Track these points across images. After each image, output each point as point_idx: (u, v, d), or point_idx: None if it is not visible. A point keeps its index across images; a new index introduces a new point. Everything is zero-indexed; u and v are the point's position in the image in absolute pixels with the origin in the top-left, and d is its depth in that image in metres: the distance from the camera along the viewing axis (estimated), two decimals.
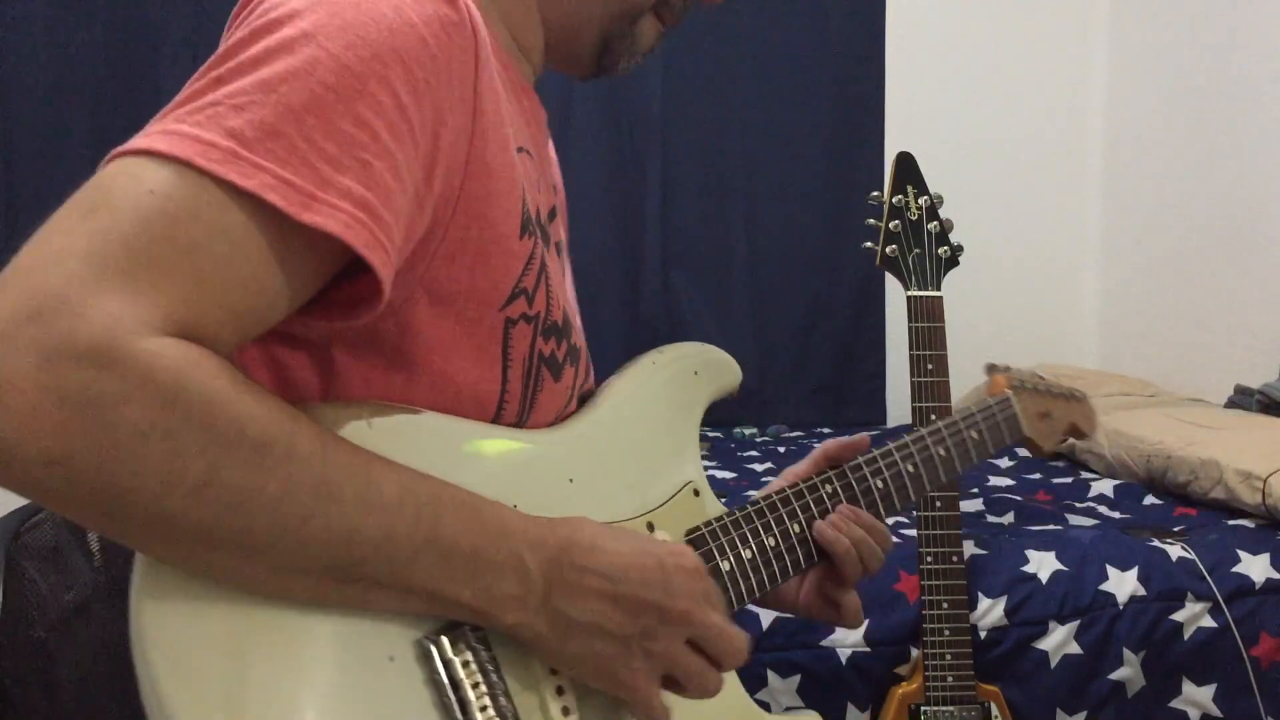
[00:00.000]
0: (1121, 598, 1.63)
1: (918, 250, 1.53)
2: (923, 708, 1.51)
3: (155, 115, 0.60)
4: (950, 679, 1.50)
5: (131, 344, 0.51)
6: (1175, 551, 1.70)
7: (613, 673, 0.67)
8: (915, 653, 1.57)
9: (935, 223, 1.54)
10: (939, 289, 1.52)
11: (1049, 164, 3.32)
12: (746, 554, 0.84)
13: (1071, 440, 1.22)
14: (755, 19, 3.11)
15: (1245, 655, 1.62)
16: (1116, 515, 2.02)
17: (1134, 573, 1.65)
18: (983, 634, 1.59)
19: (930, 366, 1.48)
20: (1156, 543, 1.73)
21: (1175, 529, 1.86)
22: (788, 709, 1.52)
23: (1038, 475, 2.36)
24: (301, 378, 0.66)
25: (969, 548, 1.64)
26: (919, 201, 1.54)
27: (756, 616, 1.55)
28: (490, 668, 0.65)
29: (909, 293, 1.52)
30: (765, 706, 1.06)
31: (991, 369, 1.16)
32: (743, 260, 3.15)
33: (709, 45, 3.10)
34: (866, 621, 1.57)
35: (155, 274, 0.53)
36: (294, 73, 0.57)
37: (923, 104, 3.22)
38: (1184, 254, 2.93)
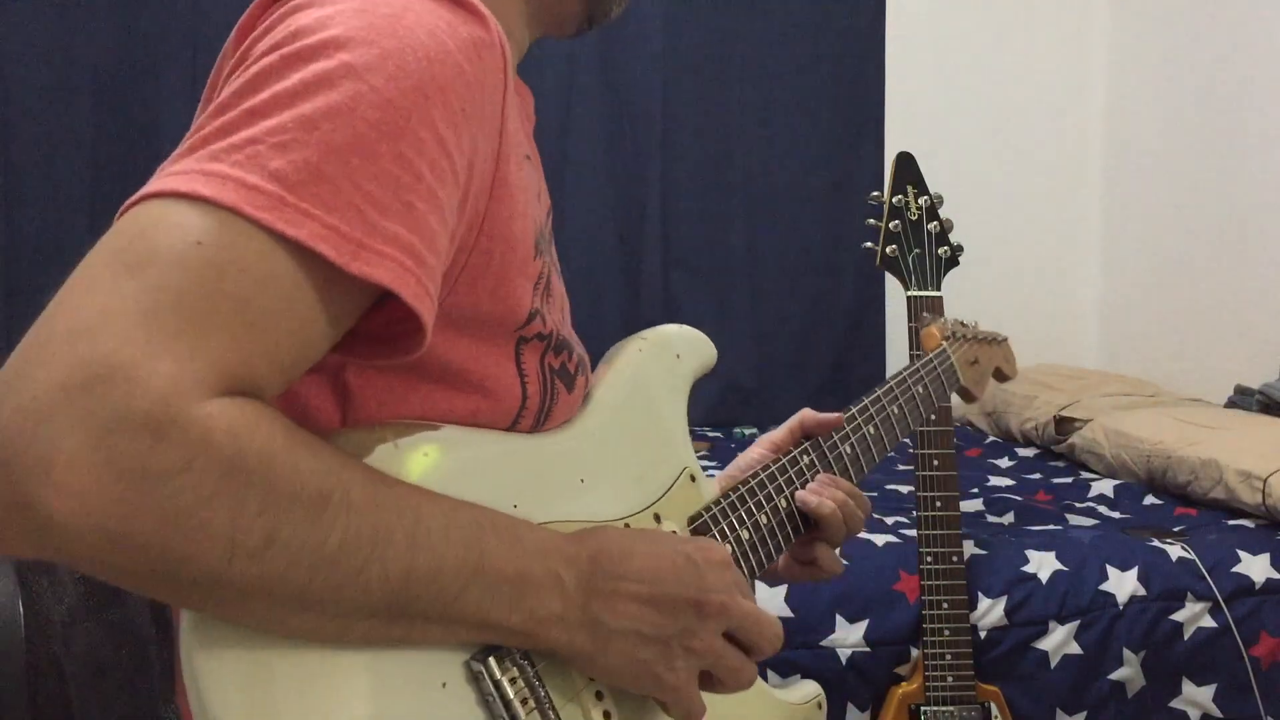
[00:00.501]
0: (1121, 598, 1.63)
1: (918, 250, 1.53)
2: (923, 708, 1.52)
3: (183, 143, 0.57)
4: (950, 679, 1.50)
5: (188, 410, 0.49)
6: (1175, 551, 1.70)
7: (655, 675, 0.67)
8: (915, 653, 1.57)
9: (935, 223, 1.54)
10: (939, 289, 1.53)
11: (1049, 164, 3.32)
12: (744, 535, 0.86)
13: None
14: (755, 19, 3.11)
15: (1245, 655, 1.62)
16: (1116, 515, 2.02)
17: (1134, 573, 1.65)
18: (983, 634, 1.59)
19: None
20: (1156, 543, 1.73)
21: (1175, 529, 1.86)
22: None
23: (1038, 475, 2.35)
24: (317, 404, 0.65)
25: (969, 548, 1.64)
26: (919, 201, 1.54)
27: None
28: (536, 682, 0.65)
29: (909, 293, 1.52)
30: None
31: (923, 320, 1.18)
32: (743, 260, 3.15)
33: (709, 45, 3.10)
34: (867, 621, 1.58)
35: (206, 332, 0.51)
36: (336, 109, 0.55)
37: (923, 104, 3.22)
38: (1184, 254, 2.93)
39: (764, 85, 3.14)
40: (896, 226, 1.53)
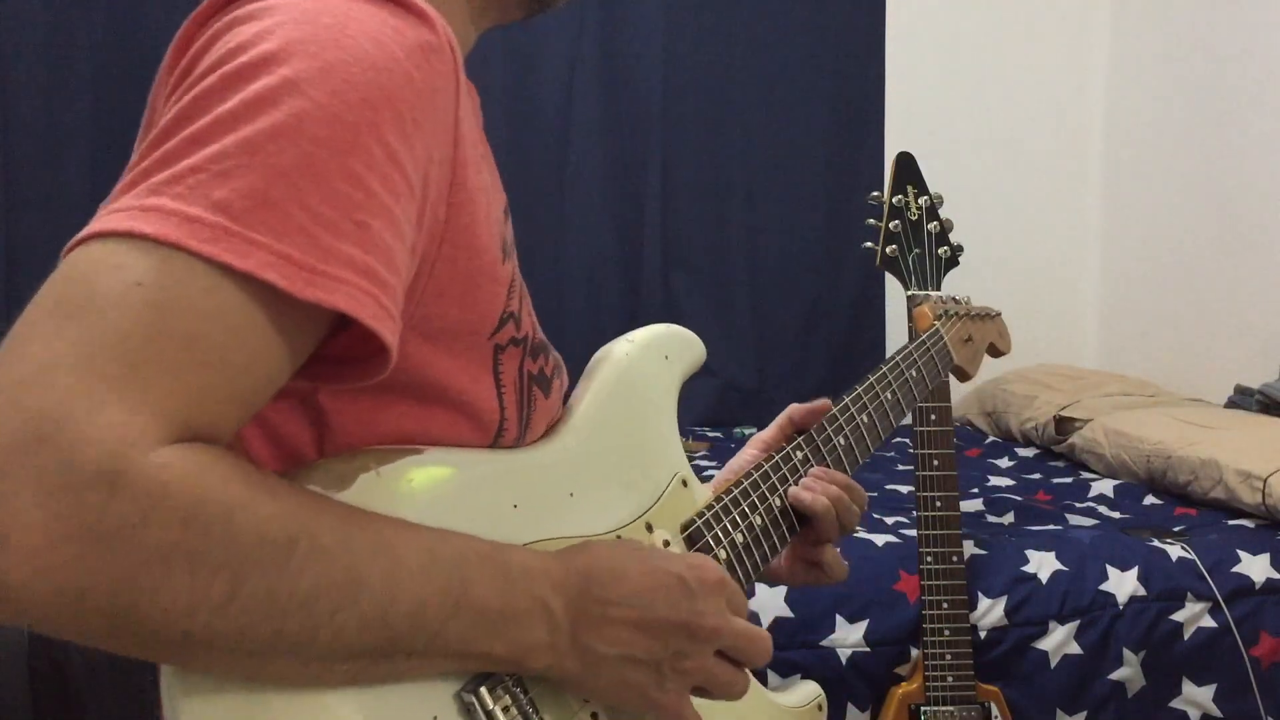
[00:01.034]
0: (1121, 598, 1.63)
1: (918, 250, 1.53)
2: (923, 708, 1.52)
3: (125, 176, 0.54)
4: (950, 679, 1.50)
5: (140, 461, 0.47)
6: (1175, 551, 1.70)
7: (647, 697, 0.67)
8: (915, 653, 1.57)
9: (935, 223, 1.54)
10: (939, 289, 1.53)
11: (1049, 164, 3.32)
12: (739, 538, 0.85)
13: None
14: (755, 19, 3.11)
15: (1245, 655, 1.62)
16: (1116, 515, 2.02)
17: (1134, 573, 1.65)
18: (983, 634, 1.59)
19: None
20: (1156, 543, 1.73)
21: (1175, 529, 1.86)
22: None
23: (1038, 475, 2.36)
24: (290, 430, 0.63)
25: (969, 548, 1.64)
26: (919, 201, 1.54)
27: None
28: (530, 710, 0.65)
29: (909, 293, 1.52)
30: None
31: (913, 299, 1.17)
32: (742, 261, 3.15)
33: (709, 45, 3.10)
34: (867, 621, 1.58)
35: (153, 376, 0.49)
36: (280, 130, 0.53)
37: (923, 104, 3.22)
38: (1184, 254, 2.93)
39: (764, 85, 3.13)
40: (896, 226, 1.53)
